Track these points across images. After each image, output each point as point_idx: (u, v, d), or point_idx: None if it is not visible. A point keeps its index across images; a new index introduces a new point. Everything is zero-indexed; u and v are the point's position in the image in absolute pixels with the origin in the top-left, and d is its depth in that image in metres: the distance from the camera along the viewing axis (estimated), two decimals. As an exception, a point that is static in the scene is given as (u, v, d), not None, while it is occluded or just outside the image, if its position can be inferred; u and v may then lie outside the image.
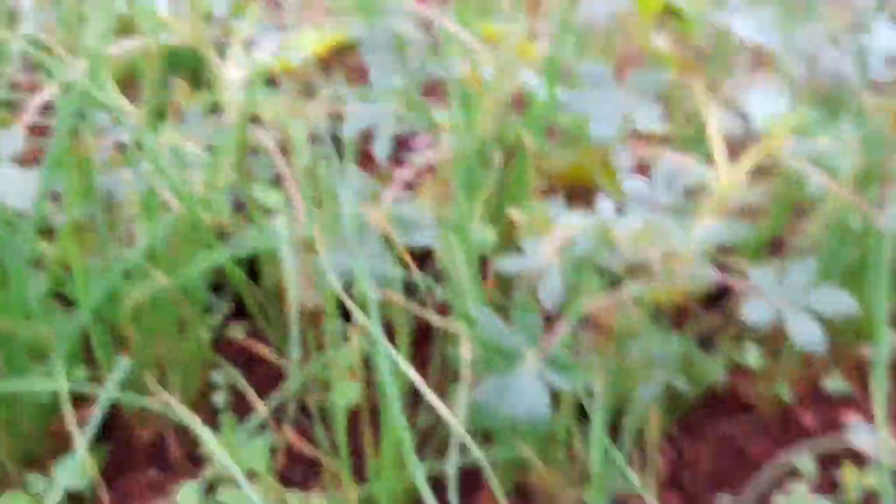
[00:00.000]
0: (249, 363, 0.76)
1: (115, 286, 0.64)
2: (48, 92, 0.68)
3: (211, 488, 0.65)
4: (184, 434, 0.69)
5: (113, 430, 0.71)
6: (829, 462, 0.71)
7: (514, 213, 0.69)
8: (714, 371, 0.75)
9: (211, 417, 0.71)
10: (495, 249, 0.70)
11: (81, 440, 0.56)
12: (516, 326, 0.54)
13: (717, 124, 0.70)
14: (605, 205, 0.58)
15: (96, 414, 0.57)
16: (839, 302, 0.59)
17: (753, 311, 0.58)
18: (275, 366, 0.74)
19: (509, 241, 0.73)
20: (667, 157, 0.63)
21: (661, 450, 0.71)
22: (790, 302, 0.59)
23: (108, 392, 0.58)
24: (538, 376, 0.52)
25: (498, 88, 0.71)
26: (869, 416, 0.75)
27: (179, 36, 0.76)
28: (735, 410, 0.75)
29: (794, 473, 0.70)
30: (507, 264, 0.62)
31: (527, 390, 0.52)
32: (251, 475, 0.63)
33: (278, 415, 0.66)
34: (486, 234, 0.71)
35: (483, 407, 0.52)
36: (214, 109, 0.77)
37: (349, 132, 0.68)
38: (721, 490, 0.69)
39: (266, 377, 0.73)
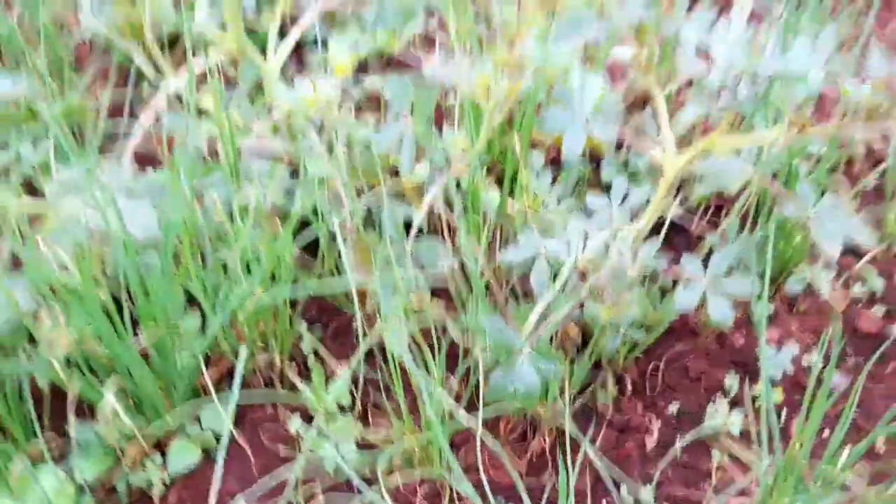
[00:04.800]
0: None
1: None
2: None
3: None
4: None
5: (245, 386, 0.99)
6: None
7: (512, 204, 0.92)
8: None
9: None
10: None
11: (225, 398, 0.83)
12: (513, 323, 0.79)
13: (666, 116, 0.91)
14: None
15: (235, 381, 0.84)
16: (744, 287, 0.82)
17: (685, 299, 0.82)
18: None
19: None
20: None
21: (627, 370, 0.97)
22: (710, 288, 0.83)
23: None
24: (530, 364, 0.77)
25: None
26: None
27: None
28: (684, 336, 1.00)
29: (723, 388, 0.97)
30: (508, 255, 0.86)
31: (523, 374, 0.77)
32: (339, 408, 0.92)
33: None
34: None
35: (495, 387, 0.77)
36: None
37: (380, 148, 0.90)
38: (672, 398, 0.96)
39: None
